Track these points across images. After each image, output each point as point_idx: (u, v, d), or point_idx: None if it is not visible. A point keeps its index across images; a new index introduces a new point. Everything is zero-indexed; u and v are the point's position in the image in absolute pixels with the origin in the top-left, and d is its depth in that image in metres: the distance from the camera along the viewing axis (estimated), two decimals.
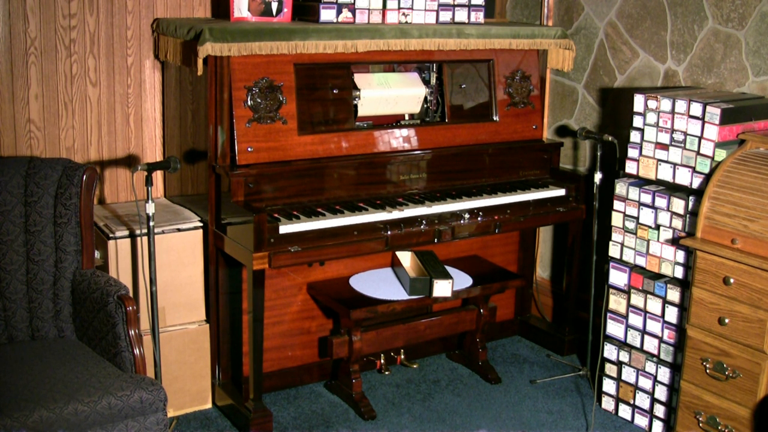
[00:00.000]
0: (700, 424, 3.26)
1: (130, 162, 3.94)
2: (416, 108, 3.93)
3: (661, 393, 3.55)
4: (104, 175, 3.90)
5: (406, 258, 3.93)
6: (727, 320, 3.12)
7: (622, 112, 4.19)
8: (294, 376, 3.88)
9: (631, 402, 3.69)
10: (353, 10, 3.68)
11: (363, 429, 3.59)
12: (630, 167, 3.58)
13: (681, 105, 3.37)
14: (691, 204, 3.35)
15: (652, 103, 3.47)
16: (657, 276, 3.52)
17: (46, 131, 3.73)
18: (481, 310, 4.01)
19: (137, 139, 3.93)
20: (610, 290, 3.70)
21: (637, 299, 3.58)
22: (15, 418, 2.48)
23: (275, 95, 3.47)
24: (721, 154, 3.27)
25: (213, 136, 3.44)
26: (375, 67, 3.84)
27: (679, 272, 3.42)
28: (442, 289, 3.66)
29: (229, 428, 3.55)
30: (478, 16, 4.01)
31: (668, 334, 3.48)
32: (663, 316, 3.49)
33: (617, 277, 3.66)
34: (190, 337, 3.60)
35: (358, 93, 3.71)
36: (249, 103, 3.42)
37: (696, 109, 3.32)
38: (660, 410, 3.57)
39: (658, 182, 3.51)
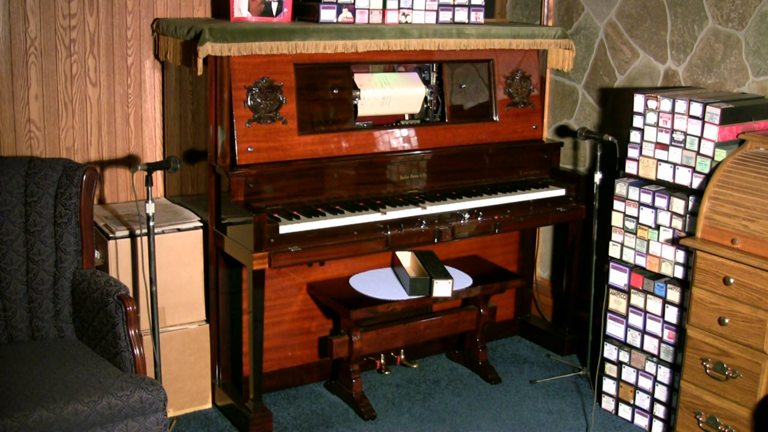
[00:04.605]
0: (700, 424, 3.26)
1: (130, 162, 3.94)
2: (416, 108, 3.93)
3: (661, 393, 3.56)
4: (104, 175, 3.90)
5: (406, 258, 3.93)
6: (727, 320, 3.12)
7: (622, 112, 4.19)
8: (294, 376, 3.88)
9: (631, 402, 3.69)
10: (353, 10, 3.68)
11: (363, 429, 3.59)
12: (630, 167, 3.58)
13: (681, 105, 3.37)
14: (691, 204, 3.35)
15: (652, 103, 3.47)
16: (657, 276, 3.52)
17: (46, 131, 3.73)
18: (481, 310, 4.01)
19: (137, 139, 3.93)
20: (610, 290, 3.70)
21: (637, 299, 3.58)
22: (15, 418, 2.48)
23: (275, 95, 3.47)
24: (721, 154, 3.27)
25: (213, 136, 3.44)
26: (375, 67, 3.84)
27: (679, 272, 3.42)
28: (442, 289, 3.66)
29: (229, 428, 3.55)
30: (478, 16, 4.01)
31: (668, 334, 3.48)
32: (663, 316, 3.49)
33: (617, 277, 3.66)
34: (190, 337, 3.60)
35: (358, 93, 3.71)
36: (249, 103, 3.42)
37: (696, 109, 3.32)
38: (660, 410, 3.57)
39: (658, 182, 3.51)
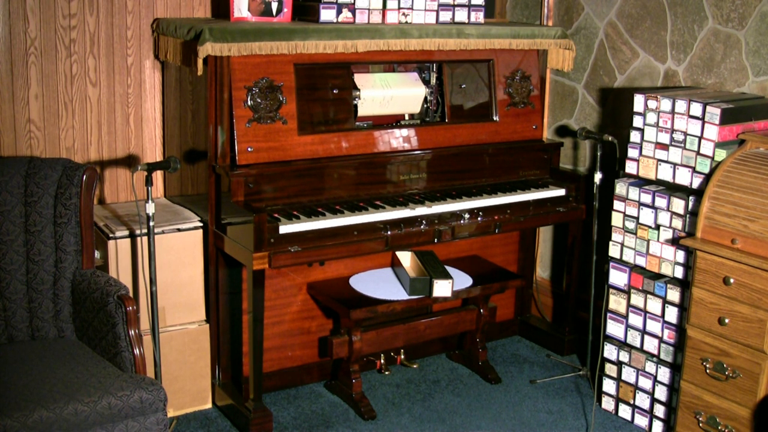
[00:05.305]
0: (700, 424, 3.26)
1: (130, 162, 3.94)
2: (416, 108, 3.93)
3: (661, 393, 3.56)
4: (104, 175, 3.90)
5: (406, 258, 3.93)
6: (727, 320, 3.12)
7: (622, 112, 4.19)
8: (294, 376, 3.88)
9: (631, 402, 3.69)
10: (353, 10, 3.68)
11: (363, 429, 3.59)
12: (630, 167, 3.58)
13: (681, 105, 3.37)
14: (691, 204, 3.35)
15: (652, 103, 3.47)
16: (657, 276, 3.52)
17: (46, 131, 3.73)
18: (481, 310, 4.01)
19: (137, 139, 3.93)
20: (610, 290, 3.70)
21: (637, 299, 3.58)
22: (15, 418, 2.48)
23: (275, 95, 3.47)
24: (721, 154, 3.27)
25: (213, 136, 3.44)
26: (375, 67, 3.84)
27: (679, 272, 3.42)
28: (442, 289, 3.66)
29: (229, 428, 3.55)
30: (478, 16, 4.01)
31: (668, 334, 3.48)
32: (663, 316, 3.49)
33: (617, 277, 3.66)
34: (190, 337, 3.60)
35: (358, 93, 3.71)
36: (249, 103, 3.42)
37: (696, 109, 3.32)
38: (660, 410, 3.57)
39: (658, 182, 3.51)
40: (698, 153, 3.33)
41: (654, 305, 3.51)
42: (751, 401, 3.09)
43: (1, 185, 3.07)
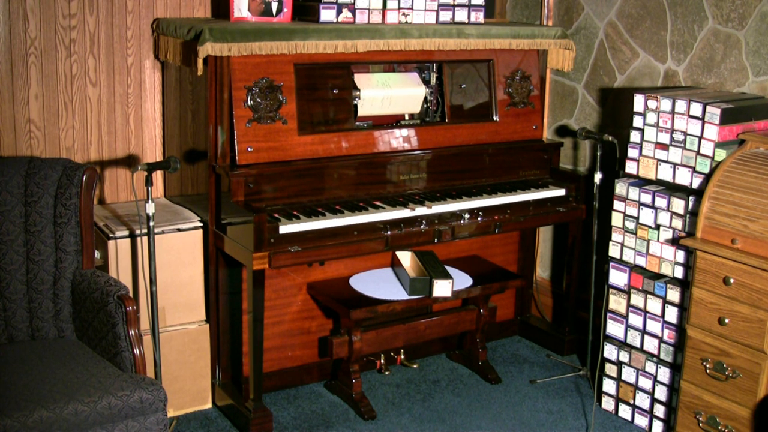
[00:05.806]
0: (700, 424, 3.26)
1: (130, 162, 3.94)
2: (416, 108, 3.93)
3: (661, 393, 3.56)
4: (104, 175, 3.90)
5: (406, 258, 3.93)
6: (727, 320, 3.12)
7: (622, 112, 4.19)
8: (294, 376, 3.88)
9: (631, 402, 3.69)
10: (353, 10, 3.68)
11: (363, 429, 3.59)
12: (630, 167, 3.58)
13: (681, 105, 3.37)
14: (691, 204, 3.35)
15: (652, 103, 3.47)
16: (657, 276, 3.52)
17: (46, 131, 3.73)
18: (481, 310, 4.01)
19: (137, 139, 3.94)
20: (610, 290, 3.70)
21: (637, 299, 3.58)
22: (15, 418, 2.48)
23: (275, 95, 3.47)
24: (721, 154, 3.27)
25: (213, 136, 3.44)
26: (375, 67, 3.84)
27: (679, 272, 3.42)
28: (442, 289, 3.66)
29: (229, 428, 3.55)
30: (478, 16, 4.01)
31: (668, 334, 3.48)
32: (663, 316, 3.49)
33: (617, 277, 3.66)
34: (190, 337, 3.60)
35: (358, 93, 3.71)
36: (249, 103, 3.42)
37: (696, 109, 3.32)
38: (660, 410, 3.57)
39: (658, 182, 3.51)
40: (698, 153, 3.33)
41: (654, 305, 3.51)
42: (751, 401, 3.09)
43: (1, 185, 3.07)
